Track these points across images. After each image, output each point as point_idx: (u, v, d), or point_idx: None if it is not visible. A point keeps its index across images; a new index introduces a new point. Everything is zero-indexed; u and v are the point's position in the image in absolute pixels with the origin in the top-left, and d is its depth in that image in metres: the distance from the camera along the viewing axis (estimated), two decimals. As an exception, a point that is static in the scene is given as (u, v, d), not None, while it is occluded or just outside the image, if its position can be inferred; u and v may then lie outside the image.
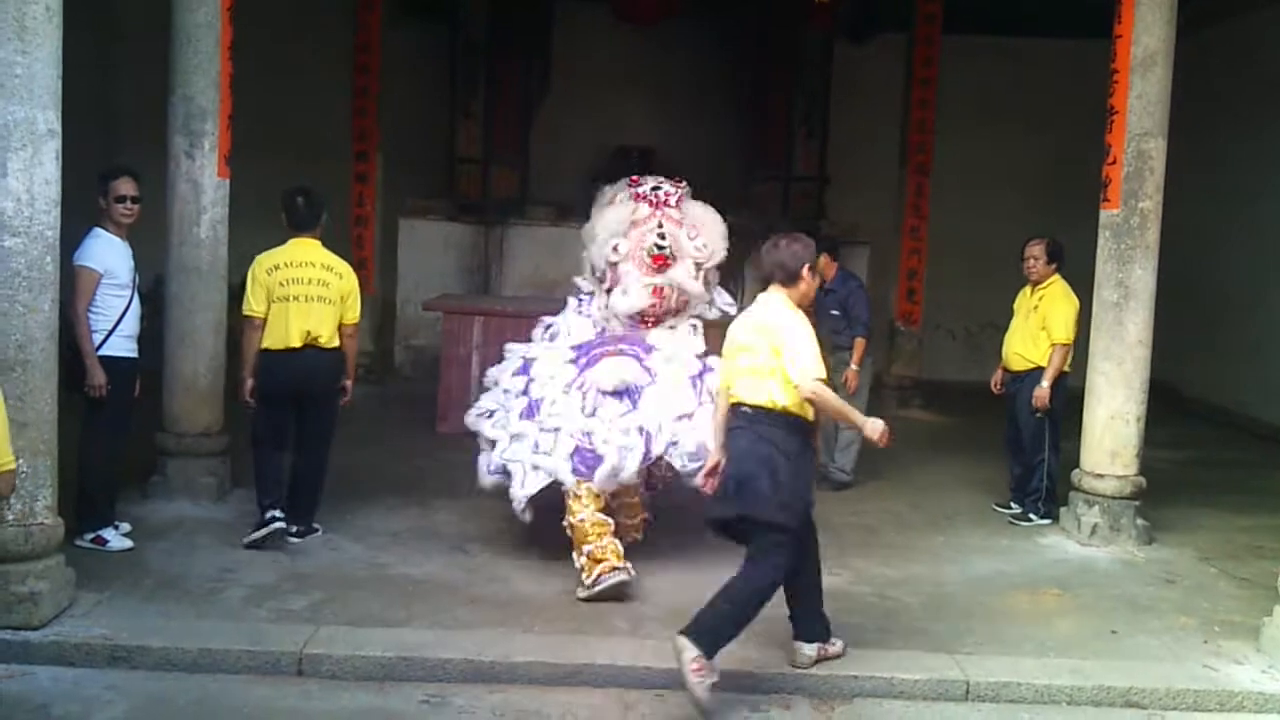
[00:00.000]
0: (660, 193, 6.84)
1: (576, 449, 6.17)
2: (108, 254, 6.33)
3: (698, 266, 6.79)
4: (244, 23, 7.49)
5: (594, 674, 5.19)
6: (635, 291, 6.71)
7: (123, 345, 6.40)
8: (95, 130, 12.17)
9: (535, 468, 6.22)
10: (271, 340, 6.56)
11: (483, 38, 12.87)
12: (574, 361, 6.66)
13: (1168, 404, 10.41)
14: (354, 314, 6.73)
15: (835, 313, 8.51)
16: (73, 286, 6.17)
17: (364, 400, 11.16)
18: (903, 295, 12.34)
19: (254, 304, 6.55)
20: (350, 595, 5.91)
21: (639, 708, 4.99)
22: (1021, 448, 7.94)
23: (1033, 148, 13.62)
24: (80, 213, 5.93)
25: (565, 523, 6.14)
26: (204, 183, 7.25)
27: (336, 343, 6.66)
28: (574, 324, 7.03)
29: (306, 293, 6.58)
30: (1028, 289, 8.01)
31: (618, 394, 6.37)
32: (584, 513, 6.05)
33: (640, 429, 6.18)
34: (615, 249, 6.73)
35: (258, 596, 5.82)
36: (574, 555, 6.06)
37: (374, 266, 12.14)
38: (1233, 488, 9.08)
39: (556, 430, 6.25)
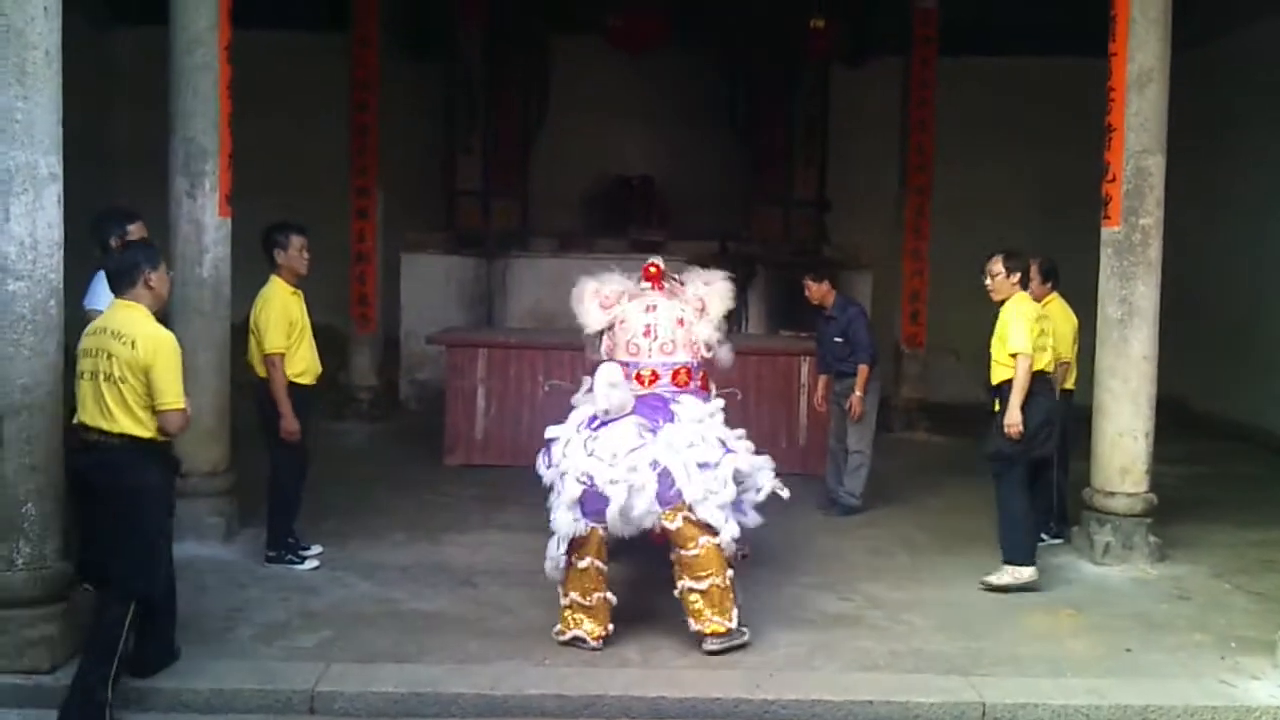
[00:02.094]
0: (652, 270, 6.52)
1: (584, 494, 5.68)
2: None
3: (698, 310, 6.45)
4: (242, 62, 7.52)
5: (607, 706, 5.16)
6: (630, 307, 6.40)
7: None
8: (89, 173, 12.24)
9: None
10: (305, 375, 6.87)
11: (479, 72, 12.98)
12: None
13: (1177, 420, 10.35)
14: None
15: (838, 340, 8.51)
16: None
17: (370, 435, 11.25)
18: (906, 318, 12.33)
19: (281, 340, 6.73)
20: (361, 632, 5.88)
21: (653, 738, 4.96)
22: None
23: (1032, 166, 13.63)
24: (81, 254, 5.92)
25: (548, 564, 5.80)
26: (206, 222, 7.27)
27: None
28: None
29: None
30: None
31: (638, 413, 5.89)
32: (585, 560, 5.68)
33: (653, 464, 5.68)
34: (604, 306, 6.44)
35: (268, 635, 5.79)
36: (559, 590, 5.79)
37: (376, 302, 12.15)
38: (1244, 503, 9.04)
39: (563, 475, 5.81)
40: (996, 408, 6.94)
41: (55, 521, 5.26)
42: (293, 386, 6.82)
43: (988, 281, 7.11)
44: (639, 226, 13.14)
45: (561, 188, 13.82)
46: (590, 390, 6.17)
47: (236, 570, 6.75)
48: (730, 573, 5.74)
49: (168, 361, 5.00)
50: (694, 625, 5.68)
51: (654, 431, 5.82)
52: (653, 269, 6.48)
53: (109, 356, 4.96)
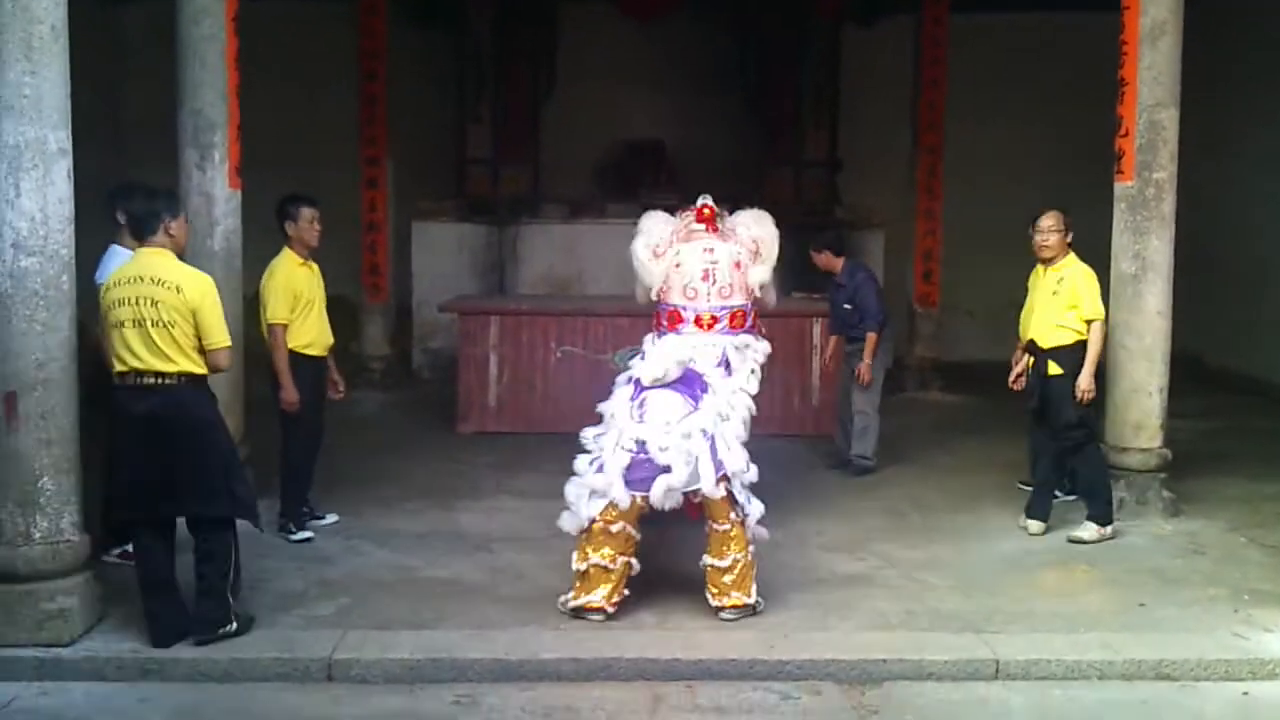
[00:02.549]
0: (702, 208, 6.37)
1: (632, 461, 5.60)
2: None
3: (753, 254, 6.30)
4: (249, 33, 7.50)
5: (623, 668, 5.19)
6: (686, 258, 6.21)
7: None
8: (104, 146, 12.25)
9: (593, 492, 5.67)
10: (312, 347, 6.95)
11: (488, 39, 12.94)
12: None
13: (1191, 375, 10.32)
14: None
15: (847, 307, 8.52)
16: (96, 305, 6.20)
17: (383, 404, 11.29)
18: (919, 277, 12.29)
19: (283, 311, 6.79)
20: (377, 599, 5.93)
21: (669, 699, 5.00)
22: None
23: (1045, 123, 13.50)
24: (91, 230, 5.94)
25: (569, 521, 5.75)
26: (216, 194, 7.28)
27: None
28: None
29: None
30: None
31: (675, 388, 5.81)
32: (617, 525, 5.58)
33: (705, 432, 5.63)
34: (656, 253, 6.26)
35: (285, 604, 5.84)
36: (575, 554, 5.69)
37: (388, 271, 12.17)
38: (1259, 456, 9.02)
39: (604, 440, 5.76)
40: (1055, 370, 6.92)
41: (73, 495, 5.31)
42: (300, 358, 6.85)
43: (1038, 238, 7.06)
44: (649, 191, 13.09)
45: (572, 155, 13.76)
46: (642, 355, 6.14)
47: (253, 540, 6.70)
48: (753, 549, 5.77)
49: (214, 302, 5.32)
50: (713, 600, 5.69)
51: (696, 400, 5.80)
52: (705, 210, 6.27)
53: (153, 303, 5.19)
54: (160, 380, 5.23)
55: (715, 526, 5.69)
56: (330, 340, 7.14)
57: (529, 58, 13.23)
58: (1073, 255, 7.09)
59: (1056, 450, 7.10)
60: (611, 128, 13.84)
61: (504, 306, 10.52)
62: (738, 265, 6.23)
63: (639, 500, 5.58)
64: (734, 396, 5.96)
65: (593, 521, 5.61)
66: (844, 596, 6.02)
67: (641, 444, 5.61)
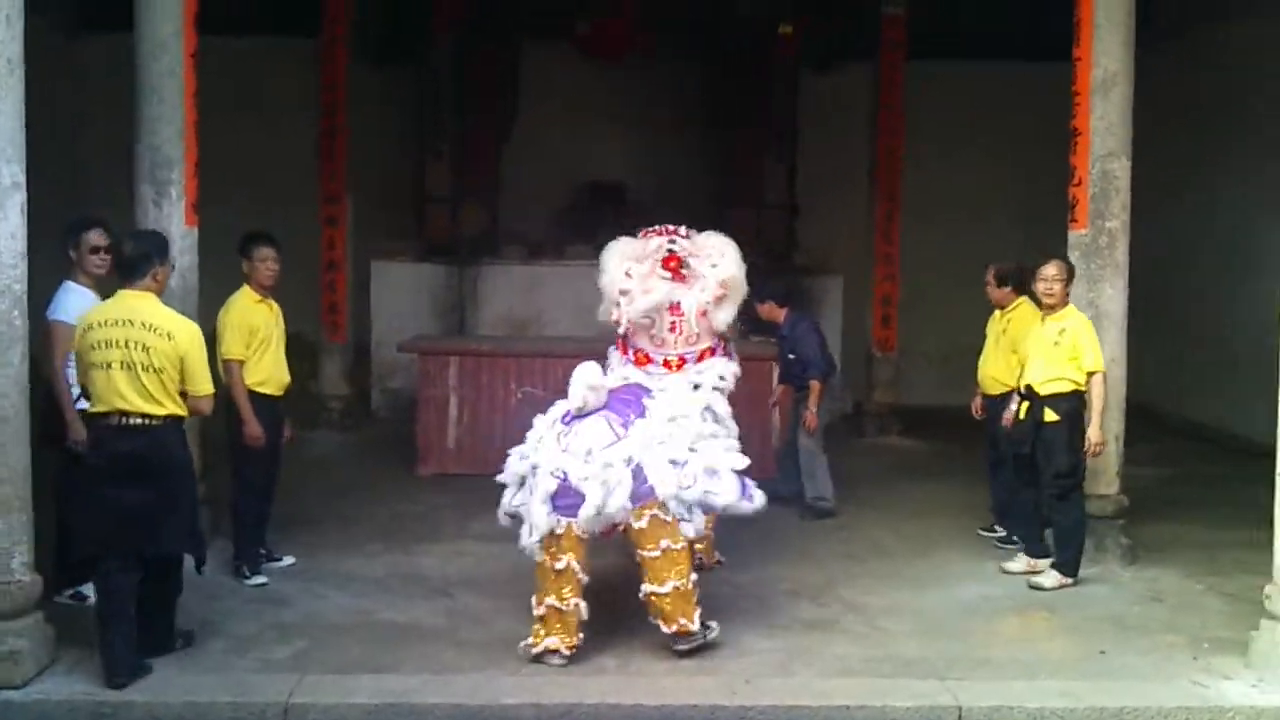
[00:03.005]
0: (668, 226, 6.58)
1: (558, 488, 5.67)
2: (82, 306, 6.22)
3: (718, 299, 6.39)
4: (208, 70, 7.46)
5: (584, 713, 5.15)
6: (653, 294, 6.34)
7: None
8: (61, 180, 12.13)
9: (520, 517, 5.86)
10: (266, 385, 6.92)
11: (449, 77, 12.92)
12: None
13: (1146, 422, 10.42)
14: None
15: (791, 356, 8.64)
16: (47, 341, 6.11)
17: (341, 445, 11.18)
18: (878, 321, 12.34)
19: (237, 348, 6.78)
20: (335, 643, 5.84)
21: (630, 747, 4.95)
22: (1003, 471, 7.96)
23: (1001, 171, 13.69)
24: (45, 266, 5.86)
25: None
26: (172, 231, 7.14)
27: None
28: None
29: None
30: (998, 313, 8.05)
31: (605, 414, 5.86)
32: (562, 560, 5.61)
33: (628, 460, 5.70)
34: (629, 274, 6.41)
35: (241, 647, 5.74)
36: (534, 599, 5.71)
37: (346, 309, 12.08)
38: (1215, 503, 9.09)
39: (535, 469, 5.83)
40: (1051, 418, 6.94)
41: (24, 534, 5.22)
42: (255, 396, 6.78)
43: (1043, 286, 7.06)
44: (609, 233, 13.09)
45: (533, 194, 13.75)
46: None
47: (207, 582, 6.63)
48: (694, 576, 5.76)
49: (201, 351, 5.48)
50: (664, 627, 5.68)
51: (626, 426, 5.83)
52: (673, 261, 6.38)
53: (145, 348, 5.28)
54: (146, 422, 5.32)
55: (645, 554, 5.67)
56: (286, 379, 7.07)
57: (490, 94, 13.23)
58: (1072, 305, 7.11)
59: (1038, 497, 7.13)
60: (572, 166, 13.86)
61: (463, 347, 10.46)
62: (703, 314, 6.32)
63: (574, 529, 5.59)
64: (680, 421, 5.98)
65: (540, 561, 5.65)
66: (807, 642, 6.00)
67: (565, 473, 5.65)
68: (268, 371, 6.91)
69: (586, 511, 5.58)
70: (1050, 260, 7.12)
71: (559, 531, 5.63)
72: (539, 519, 5.65)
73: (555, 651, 5.60)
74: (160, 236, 5.93)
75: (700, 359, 6.34)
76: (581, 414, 5.87)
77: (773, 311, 8.75)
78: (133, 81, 7.17)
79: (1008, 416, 7.45)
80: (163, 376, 5.30)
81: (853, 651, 5.87)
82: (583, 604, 5.66)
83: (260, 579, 6.81)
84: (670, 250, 6.40)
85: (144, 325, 5.30)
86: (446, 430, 9.87)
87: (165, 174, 7.17)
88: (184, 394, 5.43)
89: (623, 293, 6.41)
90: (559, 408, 6.02)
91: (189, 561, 5.73)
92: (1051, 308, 7.07)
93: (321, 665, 5.52)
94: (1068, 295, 7.11)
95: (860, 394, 12.27)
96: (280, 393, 7.05)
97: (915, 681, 5.47)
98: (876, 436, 11.94)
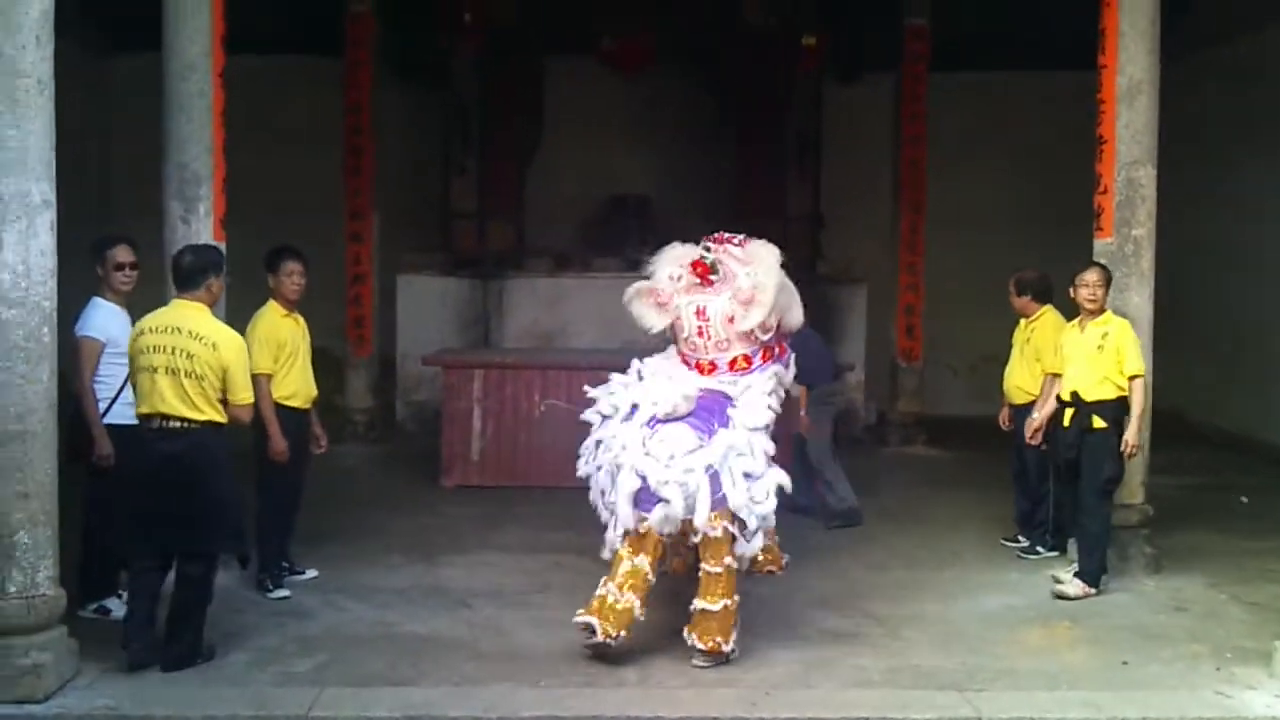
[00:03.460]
0: (724, 234, 6.65)
1: (640, 488, 5.81)
2: (110, 323, 6.34)
3: (745, 304, 6.35)
4: (236, 88, 7.54)
5: (603, 726, 5.15)
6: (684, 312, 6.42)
7: (126, 413, 6.37)
8: (90, 196, 12.28)
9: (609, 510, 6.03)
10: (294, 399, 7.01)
11: (474, 93, 13.02)
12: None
13: (1173, 431, 10.35)
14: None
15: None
16: (75, 357, 6.20)
17: (367, 458, 11.25)
18: (902, 332, 12.34)
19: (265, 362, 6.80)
20: (355, 655, 5.87)
21: (649, 758, 4.96)
22: (1027, 480, 7.93)
23: (1026, 179, 13.66)
24: (74, 282, 5.95)
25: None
26: (201, 247, 7.27)
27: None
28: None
29: None
30: (1023, 322, 8.02)
31: (689, 421, 5.99)
32: (637, 558, 5.78)
33: (708, 468, 5.78)
34: (672, 277, 6.44)
35: (262, 660, 5.78)
36: (604, 579, 5.88)
37: (372, 324, 12.17)
38: (1241, 513, 9.04)
39: (618, 467, 5.95)
40: (1099, 424, 6.91)
41: (50, 549, 5.26)
42: (283, 409, 6.83)
43: (1085, 292, 7.01)
44: (635, 246, 13.15)
45: (557, 209, 13.83)
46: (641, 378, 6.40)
47: (231, 595, 6.72)
48: (737, 598, 5.84)
49: (244, 361, 5.73)
50: (697, 643, 5.73)
51: (709, 435, 5.92)
52: (699, 268, 6.41)
53: (189, 355, 5.53)
54: (185, 425, 5.55)
55: (709, 568, 5.78)
56: (313, 393, 7.13)
57: (514, 111, 13.31)
58: (1110, 311, 7.09)
59: (1079, 503, 7.09)
60: (596, 181, 13.93)
61: (488, 360, 10.51)
62: (730, 320, 6.31)
63: (655, 532, 5.75)
64: (759, 433, 6.06)
65: (617, 551, 5.86)
66: (827, 653, 5.98)
67: (645, 475, 5.79)
68: (295, 385, 6.97)
69: (659, 514, 5.71)
70: (1090, 267, 7.11)
71: (640, 531, 5.79)
72: (625, 516, 5.82)
73: (589, 629, 5.69)
74: (216, 250, 6.21)
75: (732, 365, 6.31)
76: (667, 419, 6.00)
77: None
78: (162, 100, 7.26)
79: (1034, 426, 7.44)
80: (204, 384, 5.53)
81: (873, 663, 5.84)
82: (639, 603, 5.75)
83: (283, 592, 6.85)
84: (701, 257, 6.43)
85: (190, 334, 5.56)
86: (471, 443, 9.93)
87: (194, 191, 7.23)
88: (224, 402, 5.63)
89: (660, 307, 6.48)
90: (644, 411, 6.12)
91: (227, 590, 5.93)
92: (1093, 313, 7.03)
93: (342, 678, 5.55)
94: (1106, 301, 7.11)
95: (885, 404, 12.25)
96: (308, 405, 7.11)
97: (935, 693, 5.45)
98: (901, 446, 11.92)
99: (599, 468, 6.16)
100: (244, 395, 5.69)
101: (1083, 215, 7.76)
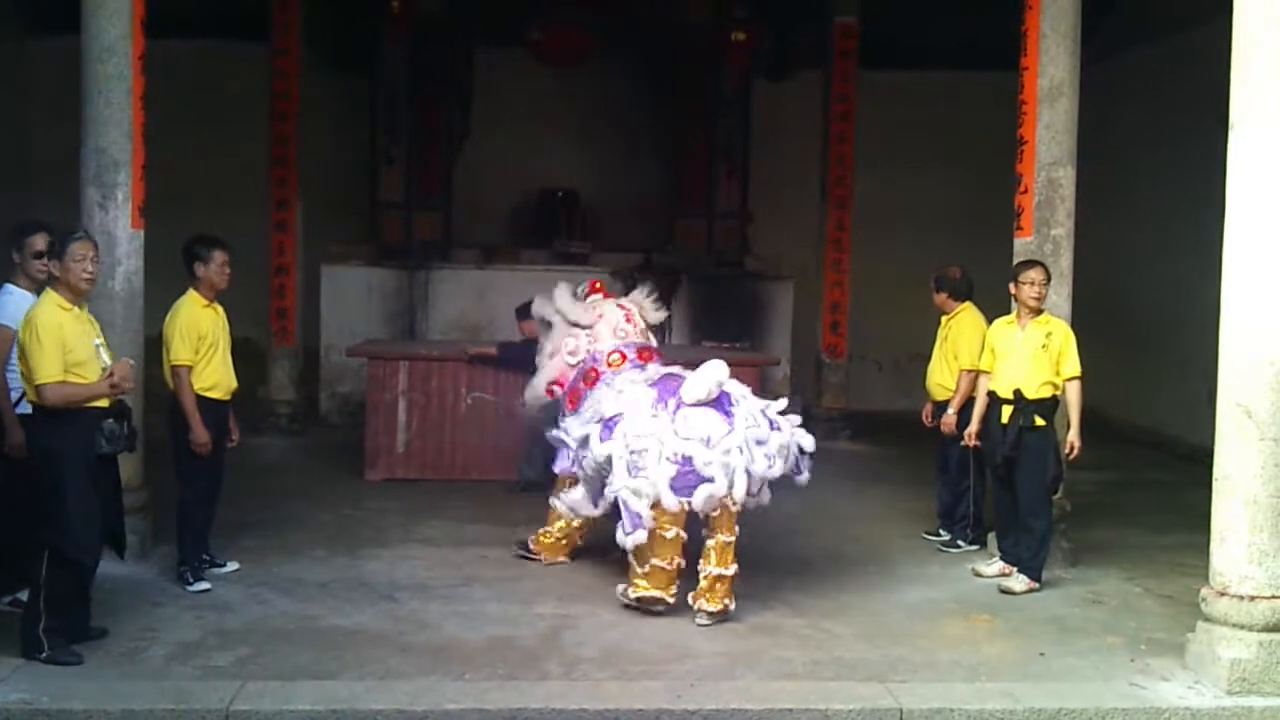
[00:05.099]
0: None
1: (677, 473, 6.15)
2: (22, 310, 6.19)
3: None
4: (157, 72, 7.41)
5: (528, 719, 5.13)
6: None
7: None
8: (12, 184, 12.01)
9: (635, 493, 6.22)
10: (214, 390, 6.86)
11: (403, 83, 12.91)
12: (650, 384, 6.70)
13: (1090, 427, 10.54)
14: None
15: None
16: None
17: (289, 449, 11.11)
18: (827, 328, 12.44)
19: (186, 353, 6.69)
20: (278, 649, 5.79)
21: (574, 751, 4.95)
22: (950, 475, 8.05)
23: (950, 179, 13.86)
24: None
25: (633, 535, 6.23)
26: (118, 234, 7.12)
27: None
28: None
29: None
30: (943, 319, 8.14)
31: (712, 406, 6.31)
32: (671, 530, 6.24)
33: (741, 449, 6.22)
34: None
35: (182, 654, 5.69)
36: (633, 559, 6.32)
37: (295, 314, 12.01)
38: (1155, 507, 9.24)
39: (644, 451, 6.22)
40: (1040, 423, 6.98)
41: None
42: (203, 400, 6.74)
43: (1029, 290, 7.03)
44: (563, 239, 13.15)
45: (486, 201, 13.78)
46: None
47: (150, 588, 6.62)
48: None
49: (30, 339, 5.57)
50: (707, 605, 6.27)
51: (730, 417, 6.30)
52: (598, 284, 7.48)
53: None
54: None
55: (723, 538, 6.32)
56: (234, 384, 7.02)
57: (444, 98, 13.23)
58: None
59: (1025, 503, 7.11)
60: (526, 174, 13.91)
61: (413, 352, 10.41)
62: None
63: (685, 505, 6.19)
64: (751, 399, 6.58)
65: (650, 529, 6.20)
66: (751, 645, 6.02)
67: (687, 459, 6.15)
68: (216, 376, 6.87)
69: (704, 493, 6.14)
70: (1034, 265, 7.12)
71: (674, 510, 6.19)
72: (669, 501, 6.16)
73: (659, 600, 6.31)
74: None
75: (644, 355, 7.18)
76: (690, 404, 6.32)
77: (533, 328, 8.71)
78: (80, 84, 7.10)
79: (946, 421, 7.59)
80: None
81: (797, 655, 5.89)
82: (681, 560, 6.32)
83: (203, 585, 6.75)
84: (595, 279, 7.67)
85: None
86: (395, 435, 9.84)
87: (112, 177, 7.10)
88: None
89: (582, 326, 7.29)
90: (648, 395, 6.50)
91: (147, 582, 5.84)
92: (1034, 312, 7.07)
93: (264, 672, 5.47)
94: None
95: (810, 399, 12.36)
96: (228, 397, 6.99)
97: (858, 684, 5.51)
98: (825, 441, 11.93)
99: (607, 457, 6.42)
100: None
101: (1007, 214, 7.88)
